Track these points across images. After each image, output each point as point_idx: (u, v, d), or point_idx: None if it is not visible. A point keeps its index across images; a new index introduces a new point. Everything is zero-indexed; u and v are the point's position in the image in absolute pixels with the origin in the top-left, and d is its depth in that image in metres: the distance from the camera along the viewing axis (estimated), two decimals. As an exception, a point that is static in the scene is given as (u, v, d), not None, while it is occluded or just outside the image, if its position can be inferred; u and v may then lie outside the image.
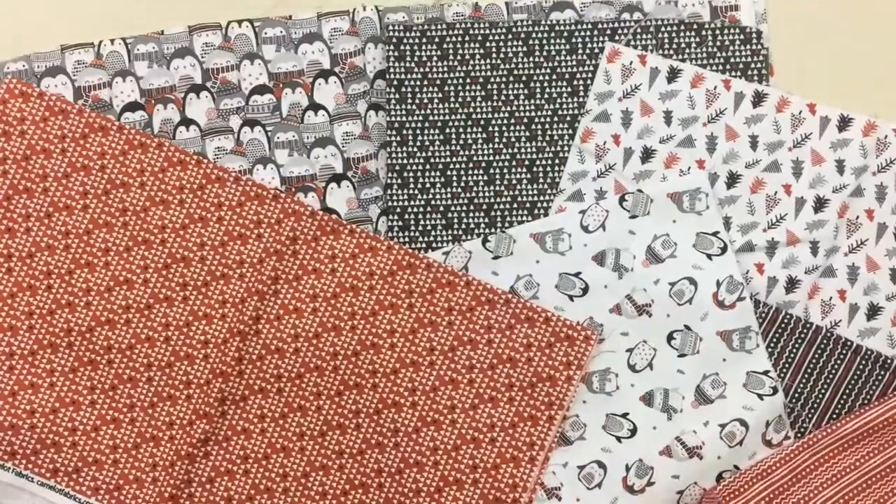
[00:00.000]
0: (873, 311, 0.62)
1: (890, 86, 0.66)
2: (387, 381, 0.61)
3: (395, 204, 0.64)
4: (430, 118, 0.65)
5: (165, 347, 0.61)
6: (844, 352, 0.60)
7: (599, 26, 0.66)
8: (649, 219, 0.63)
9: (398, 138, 0.65)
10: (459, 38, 0.66)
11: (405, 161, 0.65)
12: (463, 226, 0.65)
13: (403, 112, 0.65)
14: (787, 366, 0.62)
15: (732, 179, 0.64)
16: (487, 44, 0.66)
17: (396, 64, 0.65)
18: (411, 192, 0.65)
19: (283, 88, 0.66)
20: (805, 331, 0.61)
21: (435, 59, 0.66)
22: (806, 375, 0.61)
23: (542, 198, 0.65)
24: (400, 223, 0.64)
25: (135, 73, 0.66)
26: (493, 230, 0.65)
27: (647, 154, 0.65)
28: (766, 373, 0.61)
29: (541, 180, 0.65)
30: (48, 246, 0.63)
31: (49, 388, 0.60)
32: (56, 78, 0.65)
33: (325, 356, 0.61)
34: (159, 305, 0.62)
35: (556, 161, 0.65)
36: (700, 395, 0.61)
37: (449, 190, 0.65)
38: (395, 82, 0.65)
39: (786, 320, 0.62)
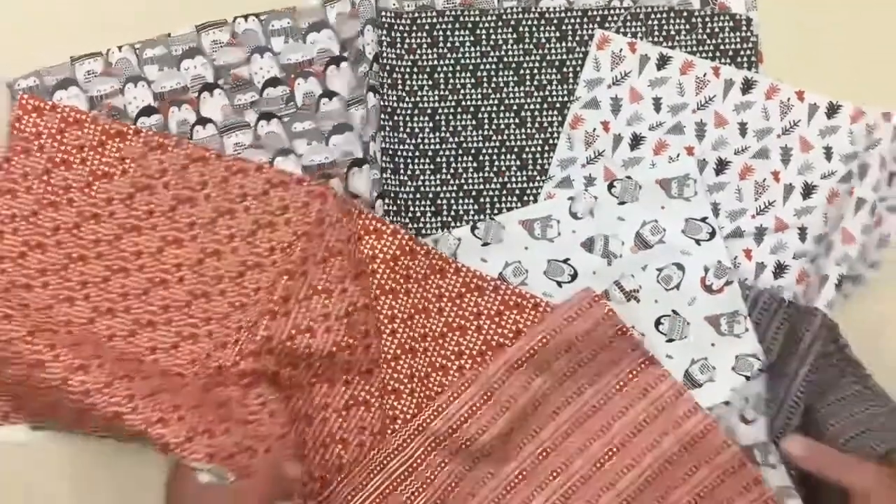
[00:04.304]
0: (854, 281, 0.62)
1: (878, 72, 0.66)
2: (388, 368, 0.62)
3: (390, 188, 0.64)
4: (420, 105, 0.66)
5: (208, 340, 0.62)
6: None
7: (589, 13, 0.66)
8: (638, 205, 0.64)
9: (390, 123, 0.65)
10: (449, 26, 0.66)
11: (396, 147, 0.65)
12: (452, 213, 0.65)
13: (395, 98, 0.65)
14: (772, 345, 0.62)
15: (721, 166, 0.64)
16: (477, 31, 0.66)
17: (388, 50, 0.65)
18: (401, 178, 0.65)
19: (295, 79, 0.66)
20: (787, 309, 0.61)
21: (425, 46, 0.66)
22: (787, 352, 0.61)
23: (531, 184, 0.65)
24: (394, 208, 0.64)
25: (146, 78, 0.66)
26: (482, 217, 0.65)
27: (636, 141, 0.65)
28: (754, 355, 0.61)
29: (530, 167, 0.66)
30: (80, 256, 0.63)
31: None
32: (68, 90, 0.66)
33: (356, 338, 0.61)
34: (197, 301, 0.62)
35: (546, 148, 0.66)
36: (689, 379, 0.61)
37: (438, 177, 0.65)
38: (388, 67, 0.65)
39: (766, 300, 0.62)
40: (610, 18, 0.66)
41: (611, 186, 0.64)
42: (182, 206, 0.64)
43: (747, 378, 0.61)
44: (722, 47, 0.66)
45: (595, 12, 0.66)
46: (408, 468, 0.58)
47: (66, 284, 0.62)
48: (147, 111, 0.66)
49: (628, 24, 0.66)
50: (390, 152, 0.65)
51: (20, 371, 0.55)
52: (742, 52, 0.65)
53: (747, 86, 0.65)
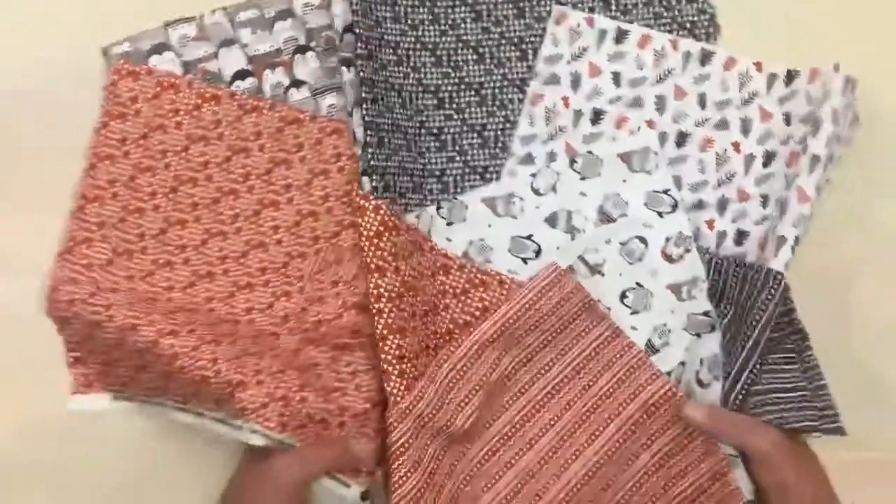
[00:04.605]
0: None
1: (836, 41, 0.66)
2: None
3: (376, 164, 0.63)
4: (389, 80, 0.65)
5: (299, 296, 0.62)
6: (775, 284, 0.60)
7: (547, -11, 0.66)
8: (600, 180, 0.64)
9: (371, 95, 0.64)
10: (409, 3, 0.66)
11: (380, 120, 0.64)
12: (420, 192, 0.65)
13: (372, 69, 0.65)
14: (726, 309, 0.62)
15: (682, 139, 0.65)
16: (435, 10, 0.66)
17: (362, 20, 0.65)
18: (387, 151, 0.64)
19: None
20: (744, 270, 0.61)
21: (389, 21, 0.66)
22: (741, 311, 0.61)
23: (493, 162, 0.65)
24: (382, 184, 0.63)
25: (240, 41, 0.66)
26: (446, 196, 0.65)
27: (597, 116, 0.65)
28: (706, 313, 0.61)
29: (492, 145, 0.65)
30: (179, 220, 0.63)
31: None
32: (163, 55, 0.65)
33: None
34: (293, 262, 0.62)
35: (507, 125, 0.66)
36: (649, 347, 0.61)
37: (408, 154, 0.65)
38: (364, 38, 0.64)
39: (724, 264, 0.62)
40: (567, -7, 0.66)
41: (572, 162, 0.64)
42: (277, 169, 0.64)
43: (698, 336, 0.61)
44: (679, 20, 0.66)
45: (553, -12, 0.66)
46: (399, 448, 0.58)
47: (165, 248, 0.62)
48: (241, 74, 0.66)
49: (585, -1, 0.66)
50: (374, 125, 0.64)
51: (112, 335, 0.56)
52: (699, 24, 0.65)
53: (705, 57, 0.65)
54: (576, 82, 0.65)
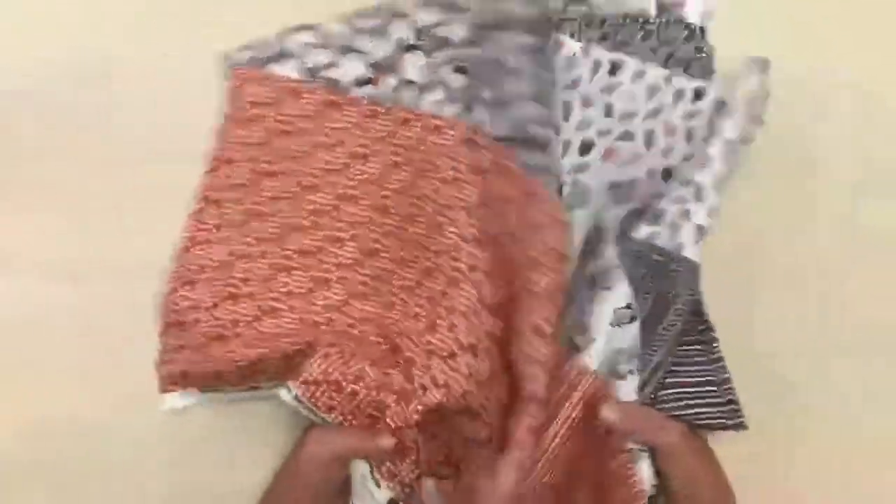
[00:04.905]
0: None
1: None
2: None
3: None
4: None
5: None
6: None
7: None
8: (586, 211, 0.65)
9: None
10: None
11: None
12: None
13: None
14: (646, 296, 0.62)
15: (667, 175, 0.66)
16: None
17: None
18: None
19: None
20: (660, 258, 0.62)
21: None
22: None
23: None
24: None
25: (359, 49, 0.66)
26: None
27: (586, 147, 0.66)
28: (628, 306, 0.61)
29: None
30: (298, 226, 0.63)
31: None
32: (285, 63, 0.65)
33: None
34: (400, 271, 0.62)
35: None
36: (570, 344, 0.62)
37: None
38: None
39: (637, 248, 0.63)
40: (566, 24, 0.66)
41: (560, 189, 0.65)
42: (389, 173, 0.63)
43: (619, 327, 0.61)
44: (676, 55, 0.66)
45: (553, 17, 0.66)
46: None
47: (283, 254, 0.62)
48: (361, 81, 0.65)
49: (583, 30, 0.66)
50: None
51: (235, 356, 0.58)
52: (695, 63, 0.66)
53: (697, 95, 0.66)
54: (567, 112, 0.66)
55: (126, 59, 0.65)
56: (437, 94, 0.64)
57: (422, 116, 0.64)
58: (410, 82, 0.65)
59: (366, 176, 0.63)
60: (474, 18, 0.64)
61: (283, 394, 0.56)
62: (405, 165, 0.63)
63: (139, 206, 0.64)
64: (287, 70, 0.65)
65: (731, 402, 0.61)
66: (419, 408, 0.54)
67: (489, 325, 0.57)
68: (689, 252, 0.61)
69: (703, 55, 0.66)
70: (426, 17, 0.65)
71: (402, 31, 0.65)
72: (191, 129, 0.65)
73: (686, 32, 0.66)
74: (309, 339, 0.58)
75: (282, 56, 0.65)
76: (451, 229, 0.60)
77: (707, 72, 0.66)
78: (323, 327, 0.60)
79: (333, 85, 0.65)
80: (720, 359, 0.62)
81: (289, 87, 0.64)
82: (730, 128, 0.62)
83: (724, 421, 0.59)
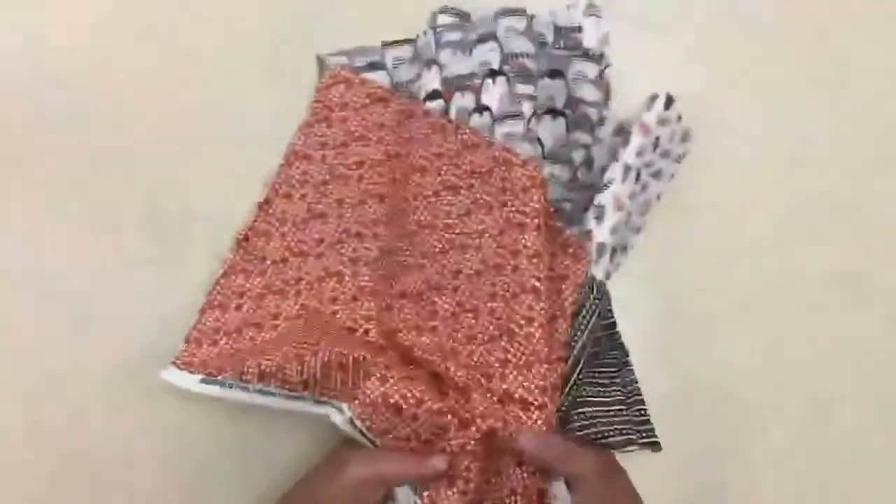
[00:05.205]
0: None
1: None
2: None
3: None
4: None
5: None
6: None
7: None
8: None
9: None
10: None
11: None
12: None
13: None
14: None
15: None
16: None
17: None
18: None
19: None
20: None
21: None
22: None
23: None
24: None
25: (439, 62, 0.63)
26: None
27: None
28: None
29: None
30: (357, 233, 0.62)
31: None
32: (375, 73, 0.66)
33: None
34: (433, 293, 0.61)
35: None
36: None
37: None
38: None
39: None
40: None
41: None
42: (445, 193, 0.63)
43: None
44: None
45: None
46: None
47: (337, 258, 0.60)
48: (433, 95, 0.63)
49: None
50: None
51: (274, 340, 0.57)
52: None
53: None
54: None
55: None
56: (514, 127, 0.66)
57: (492, 147, 0.65)
58: (486, 108, 0.67)
59: (419, 190, 0.64)
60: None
61: (334, 415, 0.54)
62: (464, 191, 0.64)
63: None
64: (378, 78, 0.66)
65: (643, 422, 0.61)
66: (477, 435, 0.54)
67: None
68: (596, 270, 0.61)
69: (602, 80, 0.69)
70: (517, 43, 0.68)
71: (486, 54, 0.67)
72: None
73: (584, 57, 0.69)
74: (346, 350, 0.55)
75: (374, 67, 0.66)
76: (511, 277, 0.60)
77: (605, 97, 0.69)
78: (359, 335, 0.58)
79: (412, 97, 0.66)
80: (633, 381, 0.62)
81: (378, 94, 0.65)
82: (629, 154, 0.64)
83: (630, 437, 0.59)
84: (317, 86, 0.66)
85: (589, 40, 0.70)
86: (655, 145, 0.66)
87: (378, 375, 0.53)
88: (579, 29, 0.70)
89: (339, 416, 0.53)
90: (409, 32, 0.69)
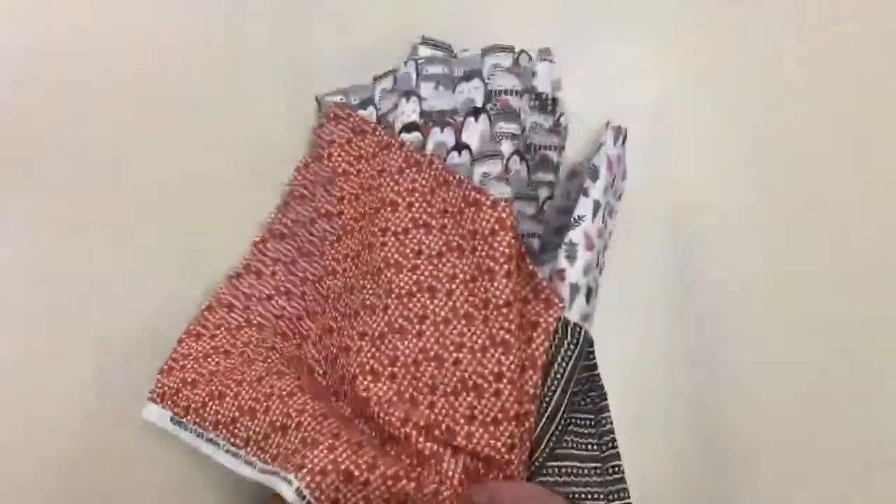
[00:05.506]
0: None
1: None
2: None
3: None
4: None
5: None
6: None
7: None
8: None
9: None
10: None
11: None
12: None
13: None
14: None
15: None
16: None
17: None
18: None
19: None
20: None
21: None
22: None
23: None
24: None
25: (419, 94, 0.63)
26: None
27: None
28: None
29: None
30: (332, 270, 0.63)
31: None
32: (367, 110, 0.67)
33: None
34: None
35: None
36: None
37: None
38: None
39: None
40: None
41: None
42: (415, 231, 0.61)
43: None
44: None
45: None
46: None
47: (317, 296, 0.62)
48: (409, 127, 0.64)
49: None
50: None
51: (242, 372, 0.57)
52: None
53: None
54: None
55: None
56: (493, 167, 0.62)
57: (463, 185, 0.62)
58: (466, 146, 0.64)
59: (387, 224, 0.62)
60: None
61: (281, 485, 0.51)
62: (435, 231, 0.62)
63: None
64: (366, 113, 0.67)
65: (616, 480, 0.59)
66: (447, 494, 0.52)
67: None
68: (572, 314, 0.59)
69: (558, 127, 0.69)
70: (501, 80, 0.66)
71: (471, 91, 0.65)
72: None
73: (537, 103, 0.69)
74: (295, 411, 0.55)
75: (366, 104, 0.67)
76: (481, 328, 0.57)
77: (563, 138, 0.69)
78: (317, 376, 0.60)
79: (389, 128, 0.66)
80: (610, 431, 0.60)
81: (358, 127, 0.66)
82: (597, 190, 0.62)
83: (603, 501, 0.58)
84: (313, 125, 0.69)
85: (543, 84, 0.70)
86: (612, 182, 0.66)
87: (326, 444, 0.52)
88: (533, 74, 0.70)
89: (286, 486, 0.51)
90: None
